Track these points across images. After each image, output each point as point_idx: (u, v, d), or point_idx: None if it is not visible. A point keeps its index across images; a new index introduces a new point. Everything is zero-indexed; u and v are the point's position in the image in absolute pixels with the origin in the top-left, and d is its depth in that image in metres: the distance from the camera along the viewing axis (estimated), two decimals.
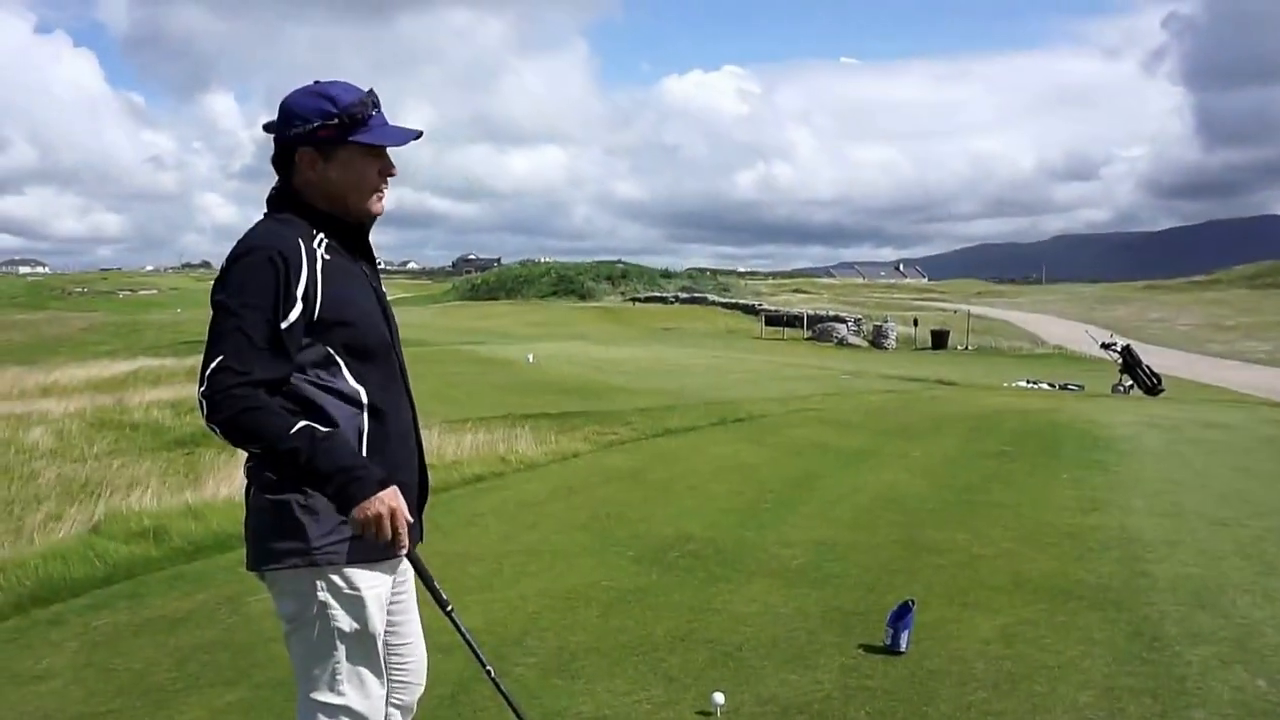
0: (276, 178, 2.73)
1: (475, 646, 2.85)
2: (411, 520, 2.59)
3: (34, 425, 16.55)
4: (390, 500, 2.49)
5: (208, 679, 4.58)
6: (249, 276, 2.49)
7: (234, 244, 2.59)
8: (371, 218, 2.74)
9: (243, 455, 2.65)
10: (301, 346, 2.54)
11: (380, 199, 2.73)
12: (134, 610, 5.64)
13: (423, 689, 2.99)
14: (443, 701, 4.16)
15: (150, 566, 6.58)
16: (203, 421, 2.47)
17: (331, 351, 2.59)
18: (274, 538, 2.57)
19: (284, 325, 2.48)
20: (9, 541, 8.33)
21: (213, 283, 2.58)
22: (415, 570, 2.76)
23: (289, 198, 2.68)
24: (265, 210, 2.71)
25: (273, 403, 2.46)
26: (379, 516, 2.47)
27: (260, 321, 2.46)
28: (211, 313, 2.51)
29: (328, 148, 2.63)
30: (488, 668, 2.89)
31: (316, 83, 2.69)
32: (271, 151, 2.70)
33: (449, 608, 2.83)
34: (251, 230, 2.63)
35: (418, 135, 2.73)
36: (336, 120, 2.61)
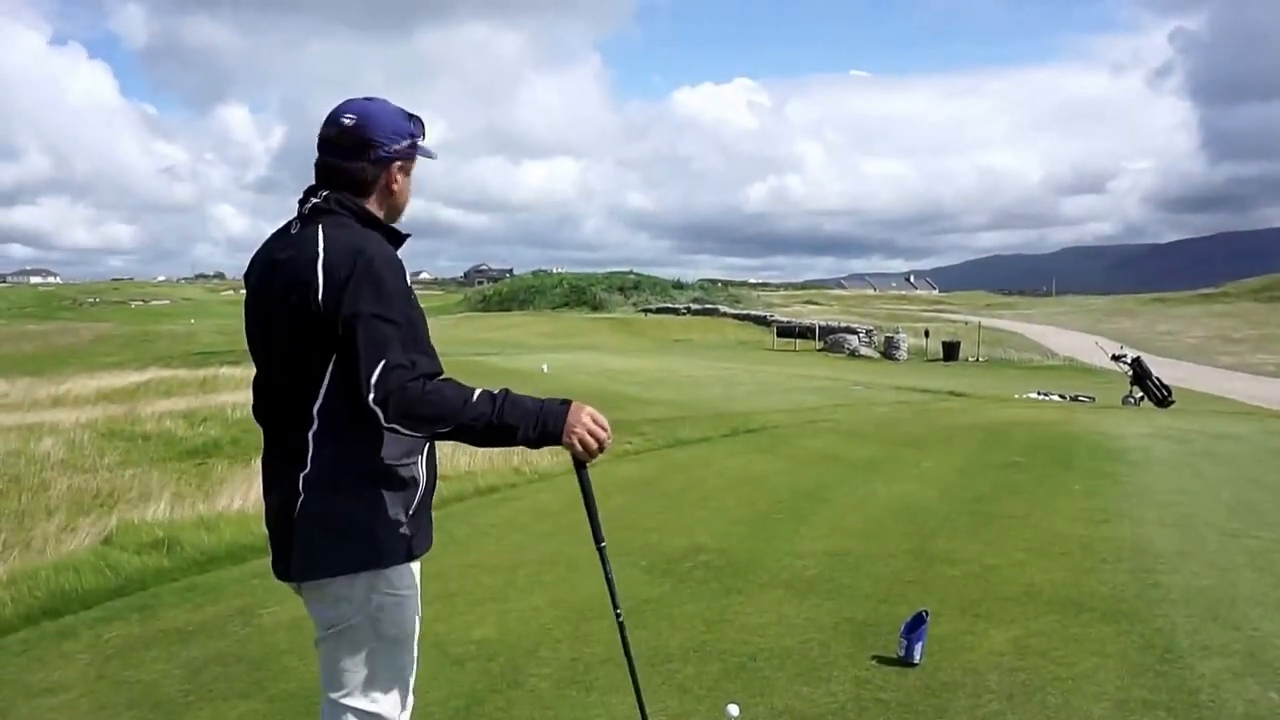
0: (296, 189, 2.74)
1: (614, 589, 2.96)
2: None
3: (45, 436, 16.57)
4: (582, 413, 2.59)
5: (220, 691, 4.58)
6: (384, 278, 2.52)
7: (331, 251, 2.54)
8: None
9: (257, 465, 2.66)
10: None
11: None
12: (146, 622, 5.65)
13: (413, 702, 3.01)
14: (457, 712, 4.17)
15: (162, 578, 6.59)
16: (384, 426, 2.46)
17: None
18: (337, 545, 2.59)
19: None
20: (20, 553, 8.35)
21: (320, 292, 2.51)
22: (584, 493, 2.84)
23: (351, 210, 2.68)
24: (316, 218, 2.65)
25: (444, 385, 2.49)
26: (587, 430, 2.58)
27: (410, 326, 2.52)
28: (350, 324, 2.47)
29: (409, 163, 2.77)
30: (618, 611, 2.97)
31: (372, 100, 2.75)
32: (322, 166, 2.71)
33: (602, 543, 2.92)
34: (348, 236, 2.59)
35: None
36: (414, 137, 2.76)
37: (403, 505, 2.65)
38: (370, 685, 2.66)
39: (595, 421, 2.59)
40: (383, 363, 2.44)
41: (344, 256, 2.53)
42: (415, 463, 2.68)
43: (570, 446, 2.58)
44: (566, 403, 2.59)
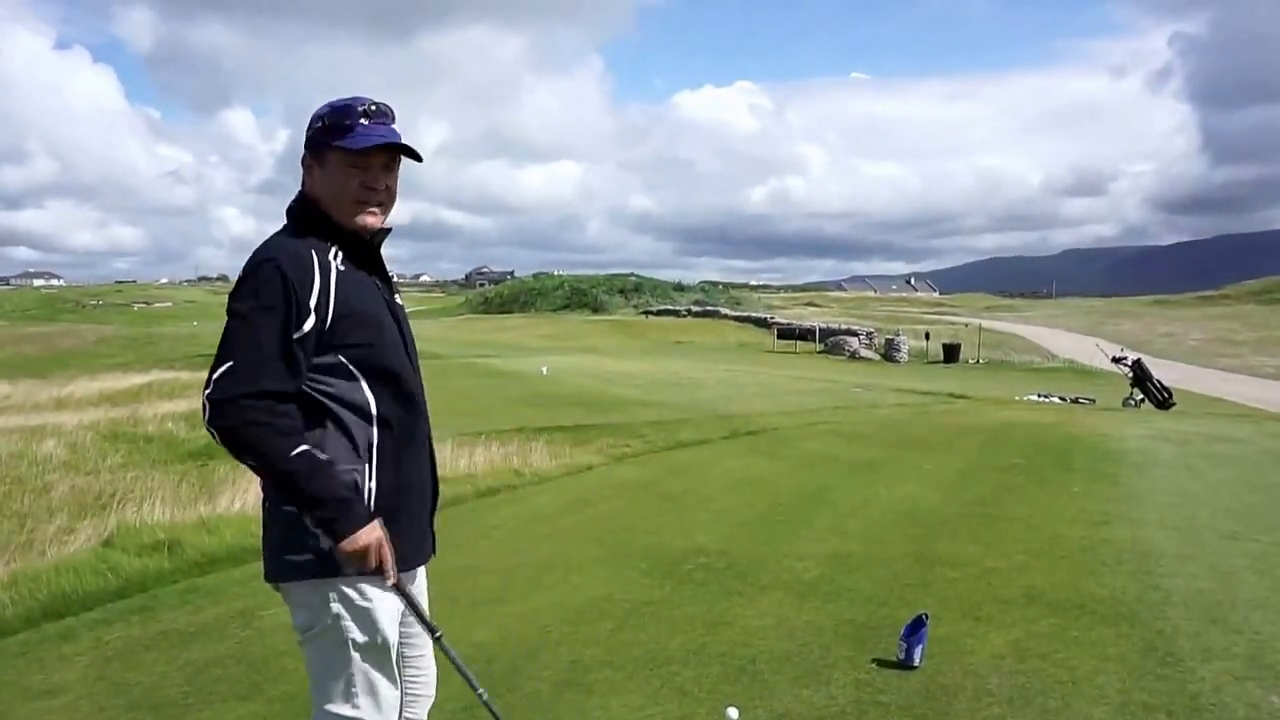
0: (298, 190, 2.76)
1: (467, 673, 2.80)
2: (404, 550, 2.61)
3: (47, 438, 16.56)
4: (376, 533, 2.53)
5: (220, 694, 4.58)
6: (262, 286, 2.50)
7: (249, 255, 2.60)
8: (362, 231, 2.69)
9: None
10: (313, 357, 2.55)
11: (368, 212, 2.69)
12: (146, 624, 5.64)
13: (433, 701, 2.99)
14: (455, 715, 4.16)
15: (163, 580, 6.58)
16: (205, 423, 2.48)
17: (344, 361, 2.60)
18: (289, 550, 2.59)
19: (296, 336, 2.50)
20: (21, 554, 8.34)
21: (229, 293, 2.60)
22: (403, 599, 2.71)
23: (306, 209, 2.69)
24: (285, 222, 2.72)
25: (278, 420, 2.46)
26: (367, 549, 2.51)
27: (273, 331, 2.48)
28: (227, 320, 2.54)
29: (320, 153, 2.67)
30: (479, 691, 2.85)
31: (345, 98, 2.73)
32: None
33: (438, 634, 2.79)
34: (267, 241, 2.64)
35: (392, 143, 2.67)
36: (321, 124, 2.66)
37: None
38: (349, 691, 2.65)
39: (380, 549, 2.53)
40: (227, 364, 2.45)
41: (251, 258, 2.59)
42: (357, 470, 2.61)
43: (342, 552, 2.51)
44: (372, 517, 2.53)
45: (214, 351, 2.51)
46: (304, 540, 2.55)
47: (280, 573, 2.63)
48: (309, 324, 2.51)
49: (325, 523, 2.48)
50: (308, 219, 2.67)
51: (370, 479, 2.63)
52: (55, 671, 4.94)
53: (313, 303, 2.52)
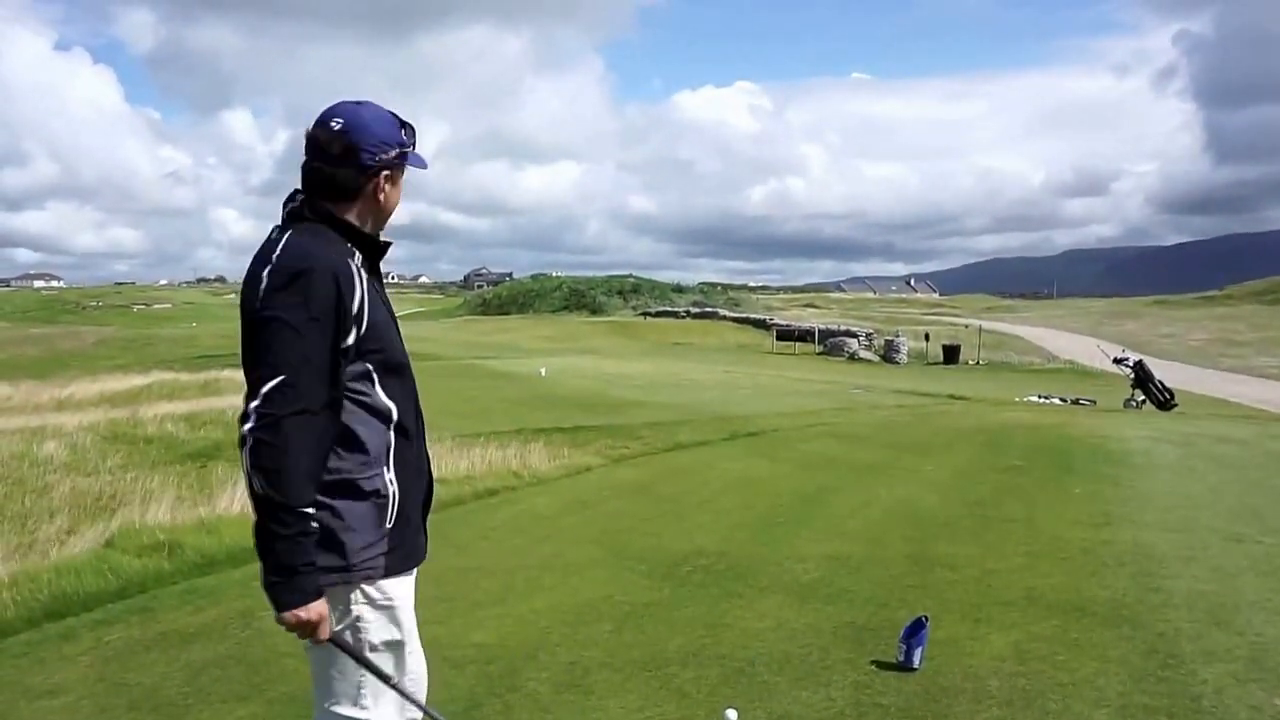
0: (294, 192, 2.71)
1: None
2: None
3: (48, 439, 16.57)
4: (321, 609, 2.53)
5: (220, 694, 4.58)
6: (313, 295, 2.47)
7: (279, 256, 2.54)
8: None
9: None
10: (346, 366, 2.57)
11: None
12: (146, 625, 5.64)
13: (424, 699, 2.99)
14: (455, 716, 4.16)
15: (163, 581, 6.58)
16: (243, 428, 2.44)
17: (370, 368, 2.61)
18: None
19: (343, 345, 2.52)
20: (22, 555, 8.34)
21: (258, 294, 2.52)
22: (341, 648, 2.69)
23: (323, 216, 2.65)
24: (288, 223, 2.66)
25: (314, 464, 2.48)
26: (309, 624, 2.52)
27: (323, 345, 2.48)
28: (262, 327, 2.48)
29: (397, 172, 2.72)
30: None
31: (365, 103, 2.71)
32: (307, 170, 2.67)
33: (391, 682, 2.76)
34: (298, 243, 2.57)
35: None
36: (409, 146, 2.72)
37: (373, 519, 2.61)
38: (360, 693, 2.66)
39: (319, 628, 2.54)
40: (279, 378, 2.43)
41: (288, 264, 2.52)
42: (379, 475, 2.62)
43: (285, 618, 2.51)
44: (318, 593, 2.52)
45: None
46: (327, 543, 2.55)
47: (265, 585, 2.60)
48: (352, 335, 2.53)
49: (284, 586, 2.48)
50: (335, 224, 2.65)
51: (392, 484, 2.64)
52: (56, 671, 4.94)
53: (354, 312, 2.53)
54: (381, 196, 2.70)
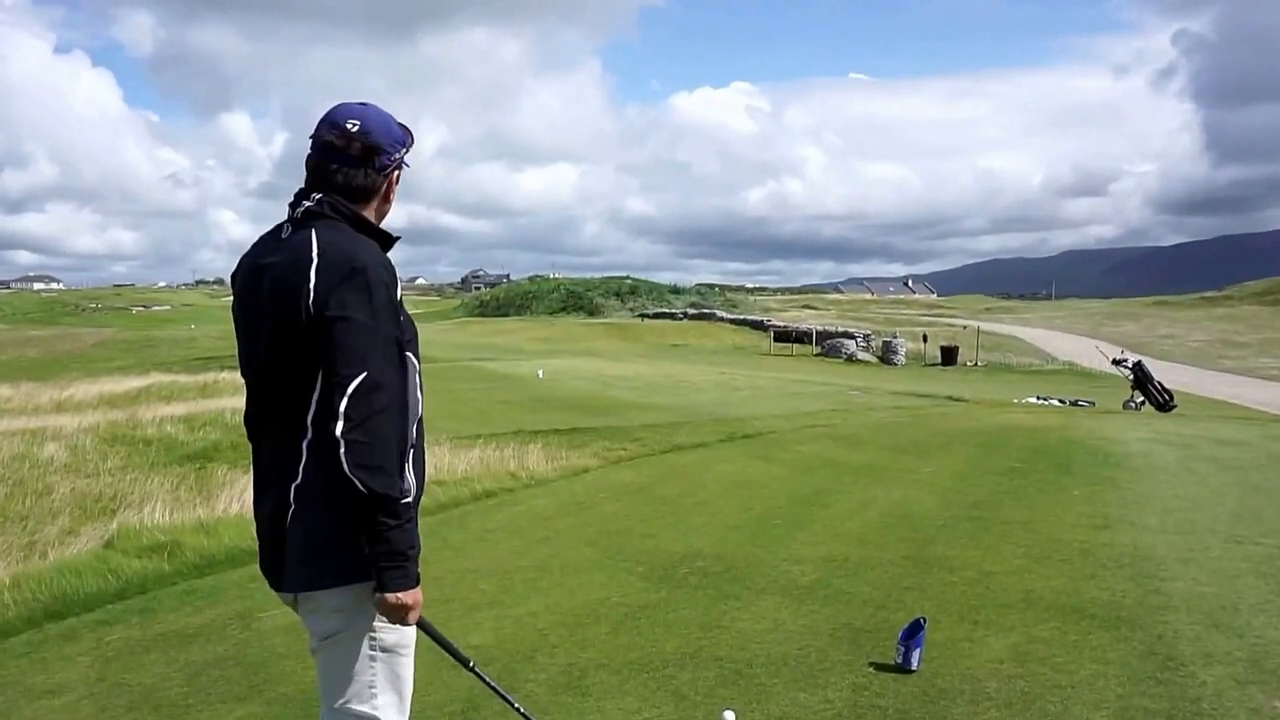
0: (298, 193, 2.72)
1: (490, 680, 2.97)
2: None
3: (48, 440, 16.61)
4: (420, 595, 2.59)
5: (219, 694, 4.59)
6: (375, 290, 2.51)
7: (325, 254, 2.53)
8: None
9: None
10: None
11: None
12: (146, 625, 5.66)
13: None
14: (453, 717, 4.17)
15: (162, 581, 6.60)
16: (334, 429, 2.43)
17: (407, 360, 2.64)
18: (325, 557, 2.58)
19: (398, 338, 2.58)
20: (23, 556, 8.37)
21: (318, 292, 2.49)
22: (429, 635, 2.84)
23: (346, 215, 2.66)
24: (310, 222, 2.63)
25: (406, 451, 2.55)
26: (408, 608, 2.57)
27: (391, 334, 2.53)
28: (333, 324, 2.47)
29: (400, 172, 2.79)
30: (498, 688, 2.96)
31: (369, 105, 2.74)
32: (323, 172, 2.68)
33: (471, 664, 2.94)
34: (336, 239, 2.58)
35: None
36: (409, 146, 2.78)
37: None
38: (369, 692, 2.66)
39: (402, 609, 2.56)
40: (363, 375, 2.45)
41: (338, 262, 2.52)
42: (406, 471, 2.64)
43: (391, 601, 2.53)
44: (418, 579, 2.57)
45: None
46: (340, 546, 2.56)
47: (316, 580, 2.60)
48: (398, 328, 2.59)
49: (388, 570, 2.51)
50: (364, 225, 2.69)
51: (412, 479, 2.65)
52: (57, 671, 4.96)
53: (400, 304, 2.61)
54: (391, 196, 2.78)
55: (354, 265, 2.51)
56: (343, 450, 2.42)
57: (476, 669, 2.92)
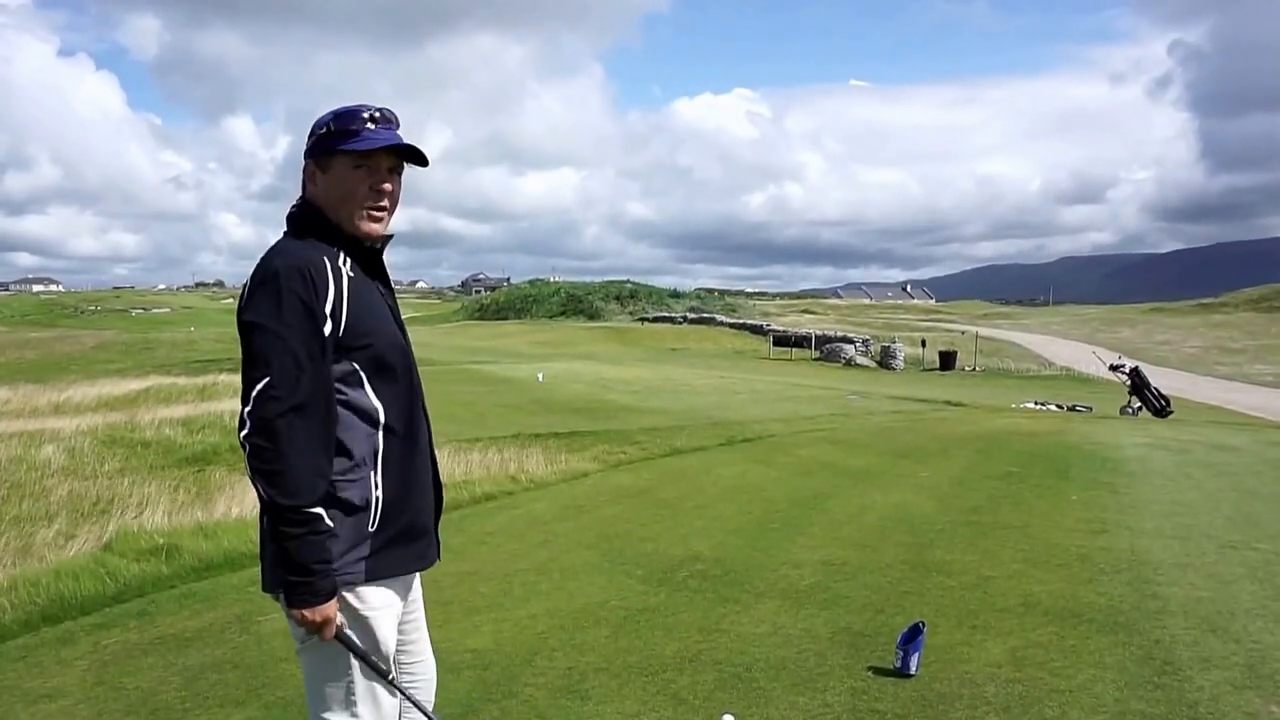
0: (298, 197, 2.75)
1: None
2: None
3: (45, 443, 16.58)
4: (331, 611, 2.54)
5: (217, 698, 4.58)
6: (284, 296, 2.49)
7: (256, 263, 2.59)
8: (366, 236, 2.69)
9: None
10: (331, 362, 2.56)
11: (372, 218, 2.69)
12: (144, 629, 5.65)
13: (431, 705, 2.99)
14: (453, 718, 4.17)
15: (160, 585, 6.59)
16: (240, 434, 2.47)
17: (356, 367, 2.60)
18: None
19: (321, 342, 2.52)
20: (20, 558, 8.35)
21: (241, 302, 2.57)
22: (346, 645, 2.69)
23: (309, 215, 2.68)
24: (285, 228, 2.71)
25: (317, 462, 2.48)
26: (315, 624, 2.53)
27: (301, 339, 2.48)
28: (244, 333, 2.52)
29: (324, 159, 2.66)
30: None
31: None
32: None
33: (390, 676, 2.76)
34: (275, 248, 2.62)
35: (399, 145, 2.68)
36: (327, 129, 2.65)
37: (354, 526, 2.60)
38: (348, 699, 2.65)
39: (327, 627, 2.55)
40: (264, 380, 2.45)
41: (257, 269, 2.58)
42: (364, 479, 2.62)
43: (296, 616, 2.52)
44: (331, 594, 2.53)
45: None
46: None
47: (277, 582, 2.59)
48: (327, 329, 2.53)
49: (298, 586, 2.49)
50: (312, 225, 2.66)
51: (376, 488, 2.63)
52: (54, 675, 4.94)
53: (328, 309, 2.53)
54: (313, 185, 2.70)
55: (266, 272, 2.54)
56: (246, 454, 2.46)
57: (396, 682, 2.77)
